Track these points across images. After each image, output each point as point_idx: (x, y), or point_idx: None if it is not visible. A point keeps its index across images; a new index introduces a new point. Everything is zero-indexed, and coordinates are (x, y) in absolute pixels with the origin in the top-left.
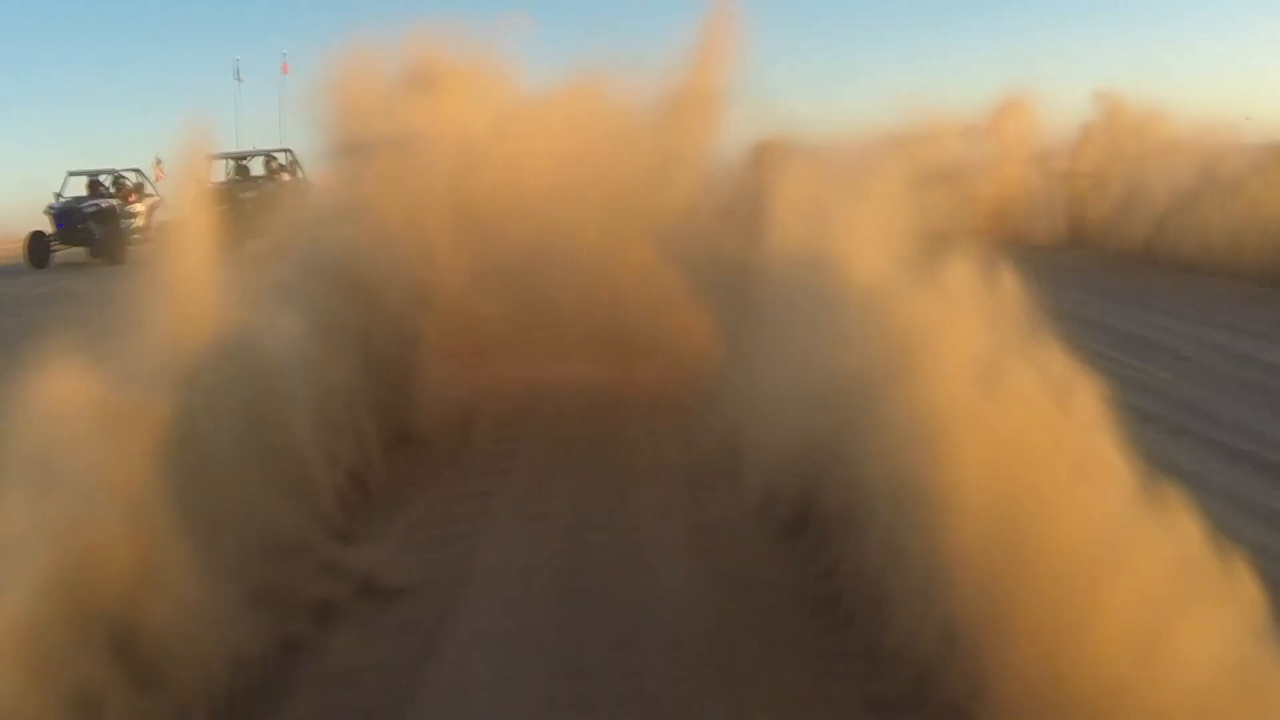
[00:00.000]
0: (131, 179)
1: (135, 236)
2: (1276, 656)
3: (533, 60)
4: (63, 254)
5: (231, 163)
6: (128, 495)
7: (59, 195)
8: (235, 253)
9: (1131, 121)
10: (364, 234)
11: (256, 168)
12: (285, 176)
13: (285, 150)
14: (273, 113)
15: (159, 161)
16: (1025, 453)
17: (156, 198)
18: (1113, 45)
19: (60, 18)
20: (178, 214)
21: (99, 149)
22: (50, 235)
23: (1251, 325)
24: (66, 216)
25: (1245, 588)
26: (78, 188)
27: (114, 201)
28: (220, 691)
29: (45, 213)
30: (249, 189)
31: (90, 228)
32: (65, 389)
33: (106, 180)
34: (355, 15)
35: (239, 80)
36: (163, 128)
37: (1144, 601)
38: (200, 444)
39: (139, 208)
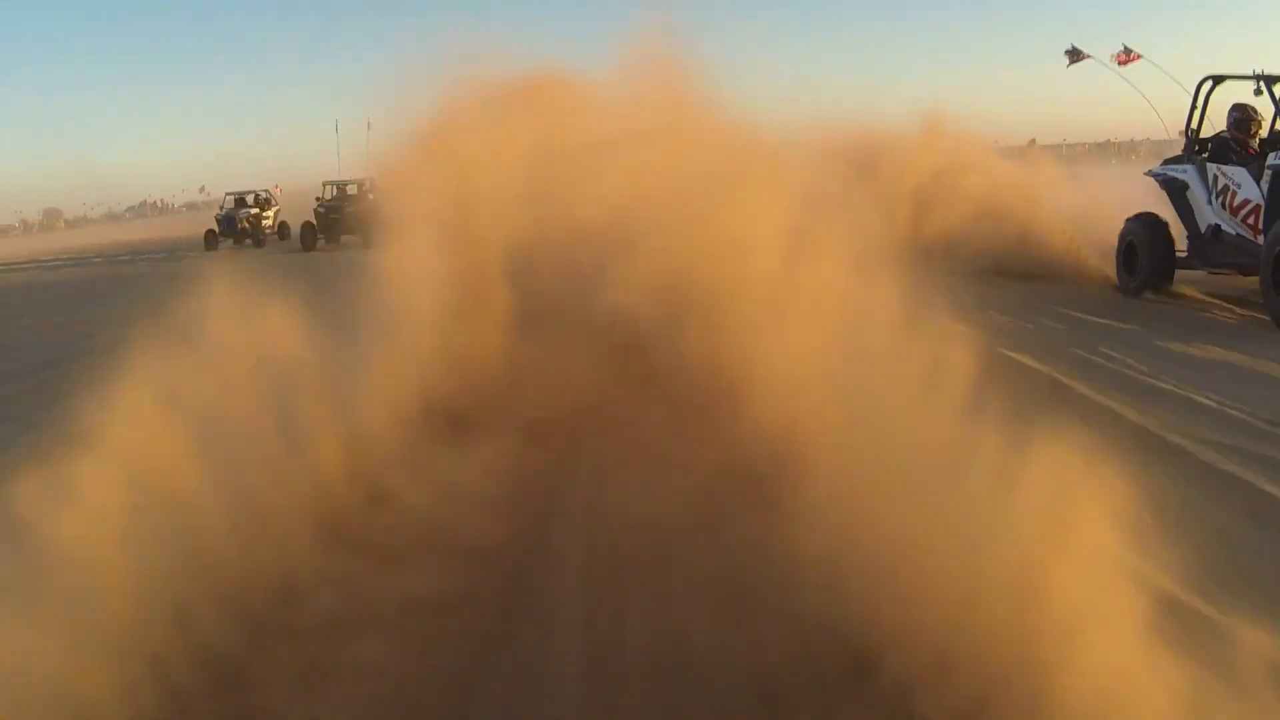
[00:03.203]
0: (264, 196)
1: (268, 232)
2: None
3: None
4: (224, 244)
5: (231, 198)
6: None
7: (222, 207)
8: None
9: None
10: None
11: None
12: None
13: (265, 190)
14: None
15: (277, 186)
16: None
17: (278, 207)
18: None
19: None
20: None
21: (241, 173)
22: (218, 232)
23: None
24: (228, 221)
25: None
26: (230, 202)
27: (255, 210)
28: None
29: (215, 218)
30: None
31: (243, 229)
32: None
33: (249, 198)
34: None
35: (336, 132)
36: (284, 160)
37: None
38: None
39: (269, 214)
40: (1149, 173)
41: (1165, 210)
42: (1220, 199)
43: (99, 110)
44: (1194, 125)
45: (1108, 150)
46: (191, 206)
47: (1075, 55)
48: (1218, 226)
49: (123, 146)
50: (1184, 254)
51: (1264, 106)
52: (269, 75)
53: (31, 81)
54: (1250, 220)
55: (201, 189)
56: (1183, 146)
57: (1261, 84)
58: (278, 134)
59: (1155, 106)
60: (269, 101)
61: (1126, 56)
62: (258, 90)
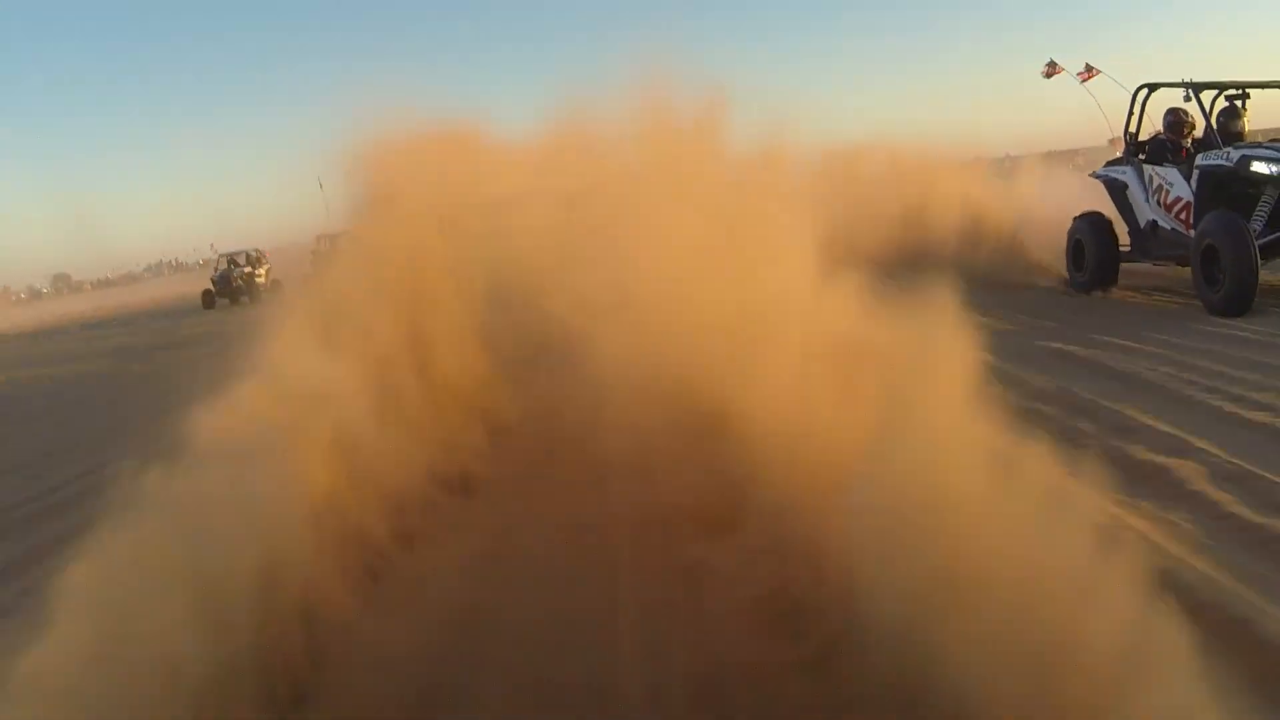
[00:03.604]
0: (255, 254)
1: (260, 288)
2: None
3: None
4: (221, 302)
5: (224, 258)
6: None
7: (217, 267)
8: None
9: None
10: None
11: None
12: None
13: (255, 249)
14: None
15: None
16: None
17: (269, 265)
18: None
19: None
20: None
21: (250, 228)
22: (214, 291)
23: None
24: (224, 280)
25: None
26: (224, 262)
27: (248, 269)
28: None
29: (211, 279)
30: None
31: (238, 286)
32: None
33: (241, 258)
34: None
35: (321, 187)
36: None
37: None
38: None
39: (261, 272)
40: (1094, 174)
41: (1110, 209)
42: (1156, 197)
43: (119, 178)
44: (1132, 129)
45: (1050, 160)
46: (205, 264)
47: (1051, 69)
48: (1155, 222)
49: (141, 211)
50: (1127, 249)
51: (1196, 110)
52: (269, 131)
53: (48, 149)
54: (1183, 216)
55: (211, 246)
56: (1121, 150)
57: (1190, 91)
58: (278, 188)
59: (1107, 115)
60: (271, 156)
61: (1088, 74)
62: (262, 145)
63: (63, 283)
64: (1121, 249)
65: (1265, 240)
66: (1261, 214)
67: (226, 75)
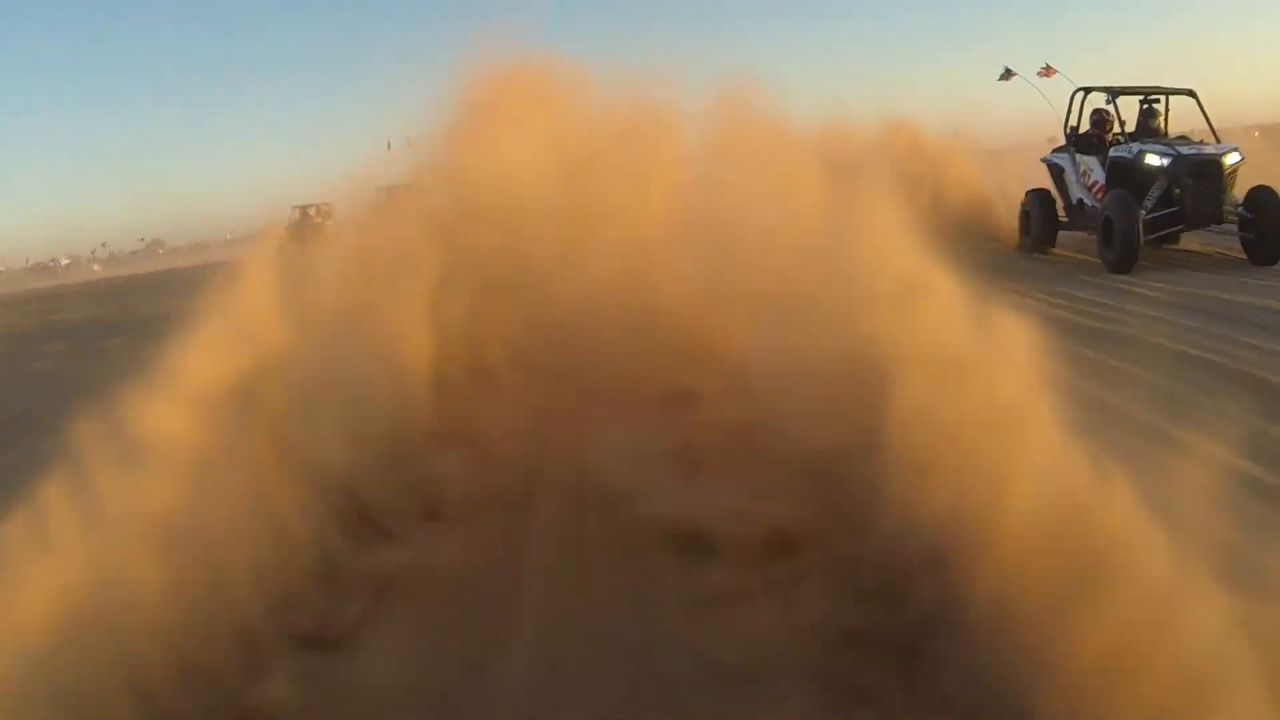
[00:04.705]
0: (324, 207)
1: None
2: None
3: None
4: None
5: (297, 210)
6: None
7: (291, 219)
8: None
9: None
10: None
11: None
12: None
13: (326, 203)
14: None
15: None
16: None
17: (334, 219)
18: None
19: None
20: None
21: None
22: (290, 238)
23: None
24: (299, 228)
25: None
26: (297, 214)
27: (318, 220)
28: None
29: (286, 227)
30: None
31: (309, 235)
32: None
33: (312, 210)
34: None
35: (389, 148)
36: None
37: None
38: None
39: (328, 224)
40: (1042, 159)
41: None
42: (1082, 180)
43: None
44: (1072, 124)
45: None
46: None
47: (1007, 75)
48: (1081, 199)
49: (244, 184)
50: (1065, 220)
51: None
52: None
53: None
54: (1098, 195)
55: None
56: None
57: (1109, 95)
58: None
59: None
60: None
61: (1047, 71)
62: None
63: (157, 245)
64: (1062, 220)
65: (1153, 216)
66: (1153, 196)
67: (304, 47)
